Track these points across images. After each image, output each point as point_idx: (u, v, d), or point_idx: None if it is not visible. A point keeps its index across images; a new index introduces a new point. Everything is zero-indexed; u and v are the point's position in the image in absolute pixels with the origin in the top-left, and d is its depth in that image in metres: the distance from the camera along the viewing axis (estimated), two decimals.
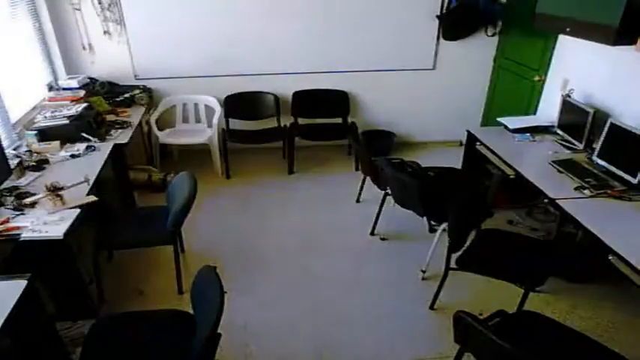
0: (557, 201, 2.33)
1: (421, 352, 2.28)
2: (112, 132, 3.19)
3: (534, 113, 3.69)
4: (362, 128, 4.46)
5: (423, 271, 2.81)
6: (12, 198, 2.30)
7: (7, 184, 2.42)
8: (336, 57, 4.20)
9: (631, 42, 2.32)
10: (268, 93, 4.24)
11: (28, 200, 2.27)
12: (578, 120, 2.91)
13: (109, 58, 3.99)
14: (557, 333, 1.85)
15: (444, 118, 4.59)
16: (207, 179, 3.96)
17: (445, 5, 4.02)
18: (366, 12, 4.02)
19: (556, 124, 3.19)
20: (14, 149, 2.86)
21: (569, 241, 2.67)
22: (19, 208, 2.22)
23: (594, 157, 2.69)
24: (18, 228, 2.06)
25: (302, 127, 4.30)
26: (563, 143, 3.01)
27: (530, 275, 2.22)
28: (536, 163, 2.78)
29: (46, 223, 2.10)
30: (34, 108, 3.36)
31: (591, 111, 2.80)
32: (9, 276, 1.75)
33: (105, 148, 2.94)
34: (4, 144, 2.54)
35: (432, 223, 3.22)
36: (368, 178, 3.40)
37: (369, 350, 2.29)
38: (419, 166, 3.33)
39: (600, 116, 2.78)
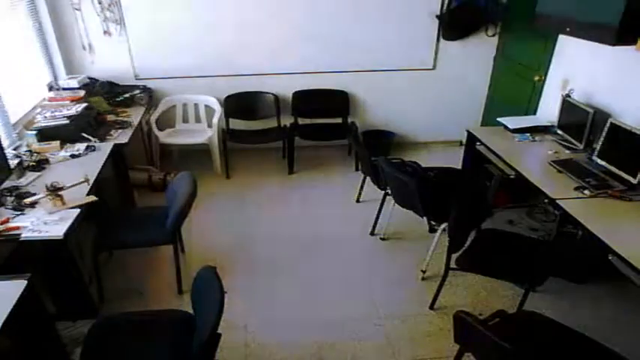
0: (557, 201, 2.32)
1: (421, 352, 2.28)
2: (112, 132, 3.19)
3: (534, 113, 3.69)
4: (362, 128, 4.46)
5: (423, 271, 2.81)
6: (12, 198, 2.30)
7: (7, 184, 2.42)
8: (336, 57, 4.20)
9: (631, 42, 2.32)
10: (268, 93, 4.24)
11: (28, 200, 2.26)
12: (578, 120, 2.91)
13: (109, 58, 3.99)
14: (557, 333, 1.85)
15: (444, 118, 4.59)
16: (207, 179, 3.96)
17: (445, 5, 4.02)
18: (366, 12, 4.02)
19: (556, 124, 3.19)
20: (14, 149, 2.86)
21: (569, 241, 2.67)
22: (19, 208, 2.22)
23: (594, 157, 2.69)
24: (18, 228, 2.06)
25: (302, 127, 4.30)
26: (563, 143, 3.01)
27: (530, 275, 2.22)
28: (536, 163, 2.78)
29: (46, 223, 2.09)
30: (34, 108, 3.36)
31: (591, 111, 2.80)
32: (9, 276, 1.75)
33: (105, 148, 2.94)
34: (4, 144, 2.54)
35: (432, 223, 3.22)
36: (368, 178, 3.40)
37: (369, 350, 2.29)
38: (419, 166, 3.32)
39: (600, 116, 2.78)
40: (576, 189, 2.43)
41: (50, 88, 3.63)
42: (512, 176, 2.81)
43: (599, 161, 2.65)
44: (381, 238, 3.20)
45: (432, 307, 2.55)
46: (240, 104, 4.22)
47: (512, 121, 3.31)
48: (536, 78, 3.63)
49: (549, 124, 3.27)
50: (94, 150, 2.92)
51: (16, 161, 2.57)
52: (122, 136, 3.16)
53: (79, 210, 2.21)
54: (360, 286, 2.74)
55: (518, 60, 3.91)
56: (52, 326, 2.08)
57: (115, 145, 3.02)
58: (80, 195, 2.34)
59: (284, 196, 3.79)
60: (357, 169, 4.19)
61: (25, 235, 2.02)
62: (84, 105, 3.26)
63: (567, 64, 3.33)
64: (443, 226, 2.75)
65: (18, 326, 1.63)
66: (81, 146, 2.92)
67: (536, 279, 2.23)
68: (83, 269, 2.39)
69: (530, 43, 3.72)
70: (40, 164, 2.70)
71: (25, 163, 2.66)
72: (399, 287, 2.73)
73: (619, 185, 2.42)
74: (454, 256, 2.33)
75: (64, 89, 3.62)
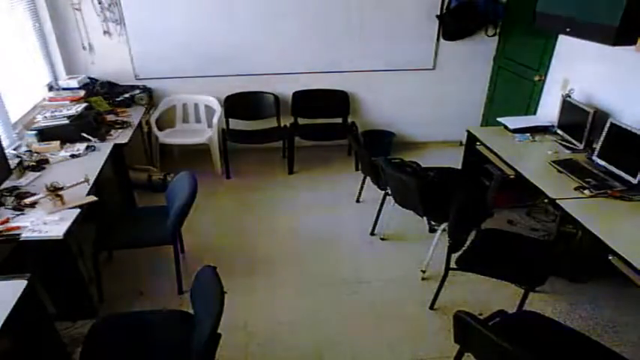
0: (557, 201, 2.32)
1: (421, 352, 2.28)
2: (112, 132, 3.19)
3: (534, 113, 3.69)
4: (362, 128, 4.46)
5: (423, 271, 2.81)
6: (12, 198, 2.30)
7: (7, 184, 2.42)
8: (336, 57, 4.20)
9: (631, 42, 2.32)
10: (268, 93, 4.24)
11: (28, 200, 2.26)
12: (578, 120, 2.91)
13: (109, 58, 3.99)
14: (557, 333, 1.85)
15: (444, 118, 4.59)
16: (207, 179, 3.96)
17: (445, 5, 4.02)
18: (366, 12, 4.02)
19: (556, 124, 3.19)
20: (14, 149, 2.86)
21: (569, 241, 2.67)
22: (19, 208, 2.22)
23: (594, 157, 2.69)
24: (18, 228, 2.06)
25: (302, 127, 4.30)
26: (563, 143, 3.01)
27: (530, 275, 2.22)
28: (536, 163, 2.78)
29: (46, 223, 2.09)
30: (34, 108, 3.36)
31: (591, 111, 2.80)
32: (9, 276, 1.75)
33: (105, 148, 2.94)
34: (4, 144, 2.53)
35: (432, 223, 3.22)
36: (368, 178, 3.40)
37: (369, 350, 2.29)
38: (419, 166, 3.32)
39: (600, 116, 2.78)
40: (576, 189, 2.43)
41: (50, 88, 3.64)
42: (512, 176, 2.81)
43: (599, 161, 2.65)
44: (381, 238, 3.20)
45: (432, 307, 2.55)
46: (240, 104, 4.21)
47: (512, 121, 3.31)
48: (536, 78, 3.63)
49: (549, 124, 3.27)
50: (94, 150, 2.92)
51: (16, 161, 2.57)
52: (122, 136, 3.15)
53: (78, 210, 2.21)
54: (360, 286, 2.74)
55: (518, 60, 3.90)
56: (52, 326, 2.07)
57: (115, 145, 3.02)
58: (80, 195, 2.34)
59: (284, 196, 3.79)
60: (357, 169, 4.19)
61: (25, 235, 2.02)
62: (84, 105, 3.27)
63: (567, 64, 3.33)
64: (443, 226, 2.75)
65: (18, 326, 1.63)
66: (81, 146, 2.92)
67: (536, 279, 2.23)
68: (83, 269, 2.39)
69: (530, 43, 3.71)
70: (40, 164, 2.70)
71: (25, 163, 2.66)
72: (399, 287, 2.72)
73: (619, 185, 2.42)
74: (454, 256, 2.33)
75: (64, 89, 3.62)
